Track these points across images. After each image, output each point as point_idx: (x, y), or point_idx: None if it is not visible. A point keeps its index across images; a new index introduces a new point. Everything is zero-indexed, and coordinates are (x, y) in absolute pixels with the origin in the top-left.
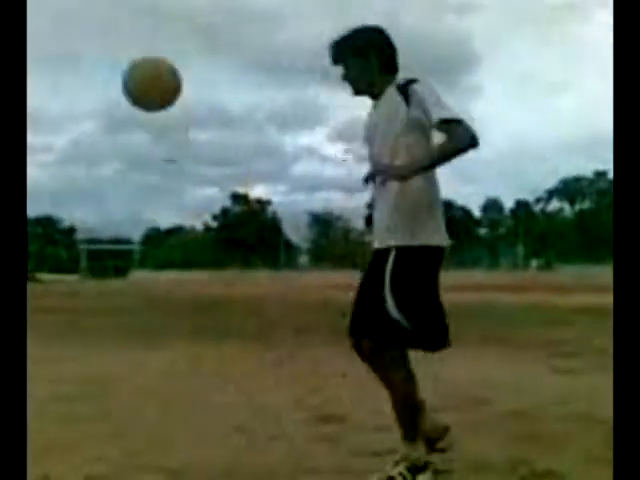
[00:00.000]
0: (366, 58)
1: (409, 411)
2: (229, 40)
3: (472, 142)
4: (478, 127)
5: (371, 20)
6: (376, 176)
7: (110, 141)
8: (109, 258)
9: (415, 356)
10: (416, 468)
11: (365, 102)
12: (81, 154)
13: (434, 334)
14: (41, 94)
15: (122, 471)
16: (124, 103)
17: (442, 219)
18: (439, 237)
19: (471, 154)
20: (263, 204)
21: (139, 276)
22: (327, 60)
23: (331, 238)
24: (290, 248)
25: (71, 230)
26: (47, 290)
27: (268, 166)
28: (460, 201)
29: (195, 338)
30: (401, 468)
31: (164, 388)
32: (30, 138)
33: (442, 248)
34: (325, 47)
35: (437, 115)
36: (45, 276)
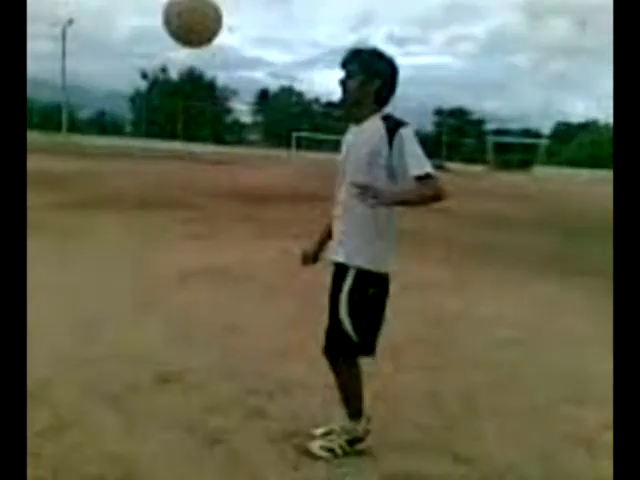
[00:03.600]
0: (370, 80)
1: (356, 400)
2: None
3: (439, 197)
4: None
5: None
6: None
7: (529, 29)
8: (515, 151)
9: None
10: (355, 440)
11: None
12: (500, 44)
13: (373, 345)
14: None
15: None
16: None
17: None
18: (393, 264)
19: None
20: None
21: (543, 172)
22: None
23: None
24: None
25: (481, 121)
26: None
27: None
28: None
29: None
30: (341, 441)
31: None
32: (457, 29)
33: (388, 273)
34: None
35: (413, 172)
36: (453, 166)
